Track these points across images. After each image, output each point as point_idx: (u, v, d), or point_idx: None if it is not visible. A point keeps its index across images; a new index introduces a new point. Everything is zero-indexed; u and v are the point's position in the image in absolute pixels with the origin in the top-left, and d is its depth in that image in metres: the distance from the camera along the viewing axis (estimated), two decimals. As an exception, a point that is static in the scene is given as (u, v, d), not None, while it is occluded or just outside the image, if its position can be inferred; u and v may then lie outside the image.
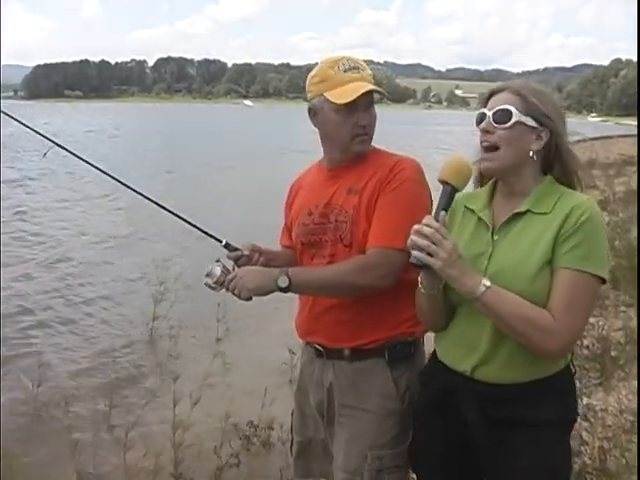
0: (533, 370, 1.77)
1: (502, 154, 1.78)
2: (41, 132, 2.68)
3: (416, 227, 1.68)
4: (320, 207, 2.21)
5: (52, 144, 2.60)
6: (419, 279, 1.85)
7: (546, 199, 1.78)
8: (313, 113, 2.21)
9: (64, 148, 2.59)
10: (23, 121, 2.74)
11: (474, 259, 1.81)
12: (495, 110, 1.78)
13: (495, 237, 1.82)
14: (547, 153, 1.82)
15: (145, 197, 2.48)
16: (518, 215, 1.80)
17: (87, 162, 2.57)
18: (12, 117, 2.73)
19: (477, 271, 1.75)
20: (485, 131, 1.80)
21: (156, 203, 2.47)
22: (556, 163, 1.83)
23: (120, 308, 7.49)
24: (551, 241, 1.71)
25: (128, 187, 2.51)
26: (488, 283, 1.67)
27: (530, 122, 1.77)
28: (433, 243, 1.65)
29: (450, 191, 1.76)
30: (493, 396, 1.79)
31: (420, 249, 1.66)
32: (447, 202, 1.75)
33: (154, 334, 6.41)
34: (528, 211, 1.79)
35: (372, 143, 2.23)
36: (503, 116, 1.77)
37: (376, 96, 2.17)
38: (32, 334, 6.54)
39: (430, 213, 1.86)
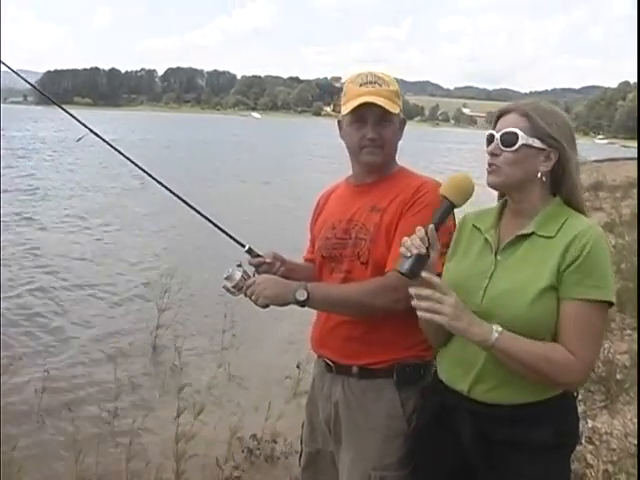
0: (531, 391, 1.76)
1: (505, 171, 1.78)
2: (77, 117, 2.67)
3: (413, 290, 1.69)
4: (343, 222, 2.23)
5: (87, 130, 2.61)
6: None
7: (552, 222, 1.77)
8: (340, 126, 2.27)
9: (98, 135, 2.60)
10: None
11: (475, 278, 1.81)
12: (502, 133, 1.79)
13: (498, 257, 1.82)
14: (555, 174, 1.80)
15: (176, 195, 2.46)
16: (522, 237, 1.79)
17: (120, 152, 2.57)
18: (54, 102, 2.81)
19: (478, 288, 1.77)
20: (492, 154, 1.80)
21: (186, 203, 2.44)
22: (563, 185, 1.81)
23: (124, 316, 7.49)
24: (554, 269, 1.69)
25: (160, 183, 2.49)
26: (500, 329, 1.66)
27: (537, 144, 1.76)
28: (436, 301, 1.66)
29: (447, 206, 1.78)
30: (490, 416, 1.78)
31: (423, 310, 1.67)
32: (442, 217, 1.78)
33: (157, 343, 6.40)
34: (533, 233, 1.78)
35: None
36: (509, 139, 1.77)
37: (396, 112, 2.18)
38: (36, 339, 6.54)
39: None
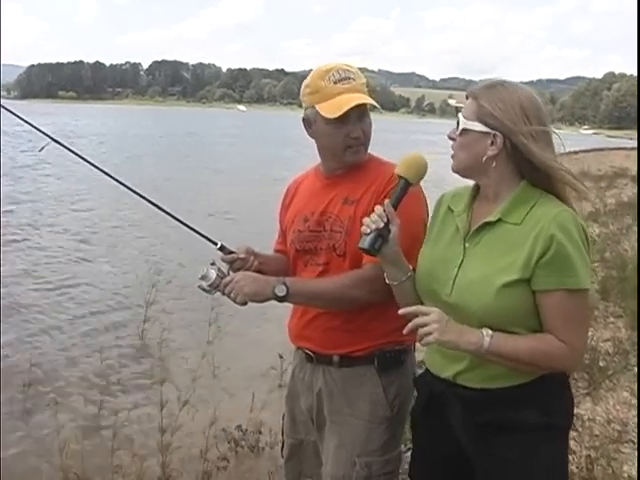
0: (518, 375, 1.74)
1: (458, 155, 1.79)
2: (38, 127, 2.57)
3: (402, 311, 1.72)
4: (316, 214, 2.19)
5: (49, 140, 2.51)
6: (385, 275, 1.90)
7: (519, 208, 1.72)
8: (307, 124, 2.19)
9: (60, 143, 2.52)
10: (21, 115, 2.65)
11: (445, 266, 1.80)
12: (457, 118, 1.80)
13: (467, 244, 1.79)
14: (514, 157, 1.72)
15: (143, 197, 2.40)
16: (489, 224, 1.75)
17: (84, 159, 2.48)
18: (15, 114, 2.64)
19: (448, 279, 1.76)
20: (449, 138, 1.81)
21: (154, 204, 2.38)
22: (523, 166, 1.73)
23: (111, 310, 7.49)
24: (524, 262, 1.65)
25: (125, 186, 2.42)
26: (490, 332, 1.65)
27: (478, 127, 1.72)
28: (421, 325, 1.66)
29: (402, 184, 1.84)
30: (477, 400, 1.78)
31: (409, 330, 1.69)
32: (399, 194, 1.83)
33: (144, 336, 6.40)
34: (499, 220, 1.73)
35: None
36: (457, 124, 1.78)
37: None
38: (21, 335, 6.51)
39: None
